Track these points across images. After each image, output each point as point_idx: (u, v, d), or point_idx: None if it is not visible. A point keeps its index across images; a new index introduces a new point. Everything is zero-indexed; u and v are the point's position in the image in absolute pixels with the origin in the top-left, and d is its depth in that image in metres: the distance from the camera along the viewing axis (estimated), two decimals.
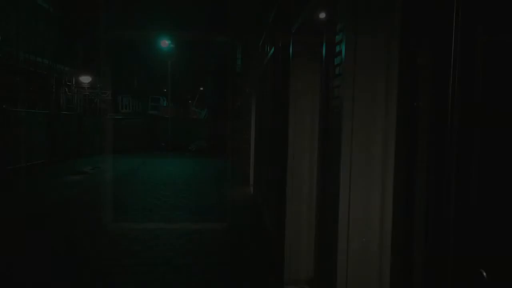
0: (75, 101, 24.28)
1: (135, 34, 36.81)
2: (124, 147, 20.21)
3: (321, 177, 2.98)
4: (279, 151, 5.13)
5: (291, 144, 4.31)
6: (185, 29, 38.73)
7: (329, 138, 2.80)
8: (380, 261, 2.39)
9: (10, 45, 17.68)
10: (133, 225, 6.71)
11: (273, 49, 6.16)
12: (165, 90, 42.15)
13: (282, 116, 4.91)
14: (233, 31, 24.74)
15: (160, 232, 6.35)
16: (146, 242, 5.84)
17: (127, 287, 4.36)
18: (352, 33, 2.39)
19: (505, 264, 1.52)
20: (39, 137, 14.16)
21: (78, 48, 26.79)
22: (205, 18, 30.15)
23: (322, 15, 3.24)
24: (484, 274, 1.49)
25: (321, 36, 3.04)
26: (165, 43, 37.52)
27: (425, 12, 2.17)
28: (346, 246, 2.40)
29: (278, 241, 4.87)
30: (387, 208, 2.38)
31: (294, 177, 4.30)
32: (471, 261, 1.66)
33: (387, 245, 2.38)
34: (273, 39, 6.23)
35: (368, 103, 2.40)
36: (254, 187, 9.56)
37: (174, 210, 7.87)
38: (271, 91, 6.68)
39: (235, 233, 6.52)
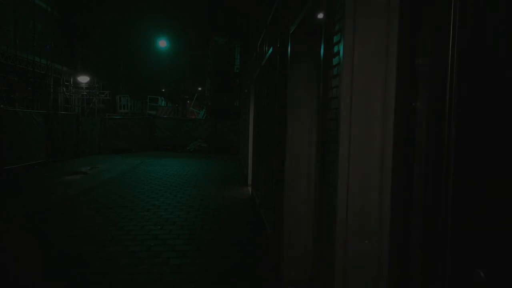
0: (73, 101, 24.27)
1: (133, 33, 36.85)
2: (122, 147, 20.19)
3: (320, 178, 2.98)
4: (278, 152, 5.13)
5: (289, 144, 4.32)
6: (184, 29, 38.77)
7: (328, 138, 2.80)
8: (379, 258, 2.40)
9: (8, 45, 17.65)
10: (131, 225, 6.71)
11: (271, 49, 6.16)
12: (163, 90, 42.20)
13: (280, 116, 4.92)
14: (232, 31, 24.77)
15: (159, 232, 6.36)
16: (144, 241, 5.84)
17: None
18: (350, 34, 2.39)
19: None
20: (37, 137, 14.11)
21: (77, 48, 26.76)
22: (204, 18, 30.16)
23: (320, 16, 3.24)
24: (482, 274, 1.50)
25: (319, 36, 3.05)
26: (163, 43, 37.54)
27: (424, 13, 2.18)
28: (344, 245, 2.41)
29: (277, 242, 4.88)
30: (385, 206, 2.39)
31: (292, 177, 4.31)
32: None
33: (386, 242, 2.39)
34: (271, 39, 6.24)
35: (367, 104, 2.41)
36: (252, 187, 9.56)
37: (172, 210, 7.86)
38: (269, 91, 6.69)
39: (234, 234, 6.52)
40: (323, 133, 2.92)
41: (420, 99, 2.20)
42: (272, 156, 5.93)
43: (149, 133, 22.33)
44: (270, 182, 6.39)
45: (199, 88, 40.25)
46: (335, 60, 2.65)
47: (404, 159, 2.29)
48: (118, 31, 34.60)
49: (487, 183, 1.59)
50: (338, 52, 2.55)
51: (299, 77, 4.26)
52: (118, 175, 12.56)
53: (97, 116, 22.64)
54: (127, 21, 35.38)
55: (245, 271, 4.92)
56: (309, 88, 4.22)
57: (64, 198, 8.92)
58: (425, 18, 2.15)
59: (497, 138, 1.55)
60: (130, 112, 32.56)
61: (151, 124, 22.61)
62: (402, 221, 2.29)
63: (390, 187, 2.37)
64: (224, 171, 14.47)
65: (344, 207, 2.41)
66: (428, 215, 2.04)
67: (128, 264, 4.98)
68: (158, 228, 6.56)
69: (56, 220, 7.18)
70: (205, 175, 13.00)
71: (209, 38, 28.70)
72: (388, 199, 2.38)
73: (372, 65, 2.40)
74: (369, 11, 2.39)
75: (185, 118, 30.75)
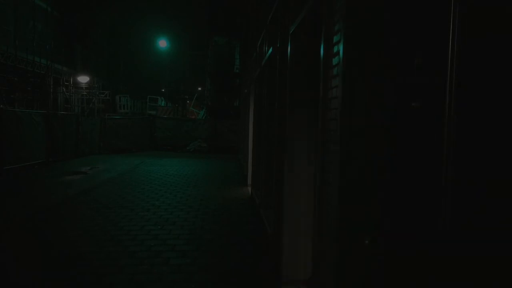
0: (73, 101, 24.26)
1: (133, 33, 36.85)
2: (122, 147, 20.18)
3: (320, 178, 2.98)
4: (278, 152, 5.13)
5: (289, 144, 4.32)
6: (184, 29, 38.78)
7: (328, 138, 2.80)
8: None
9: (8, 45, 17.64)
10: (131, 225, 6.71)
11: (271, 49, 6.16)
12: (163, 90, 42.19)
13: (280, 116, 4.92)
14: (232, 31, 24.77)
15: (159, 232, 6.36)
16: (144, 241, 5.84)
17: None
18: (350, 34, 2.39)
19: None
20: (37, 137, 14.11)
21: (77, 48, 26.76)
22: (204, 18, 30.16)
23: (320, 16, 3.24)
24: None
25: (319, 36, 3.05)
26: (163, 43, 37.54)
27: (421, 13, 2.18)
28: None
29: (277, 242, 4.87)
30: (385, 205, 2.39)
31: (292, 177, 4.31)
32: None
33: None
34: (271, 39, 6.23)
35: (367, 104, 2.41)
36: (252, 187, 9.56)
37: (172, 210, 7.86)
38: (269, 91, 6.68)
39: (234, 234, 6.52)
40: (323, 133, 2.91)
41: (420, 98, 2.20)
42: (272, 156, 5.93)
43: (149, 133, 22.32)
44: (270, 182, 6.38)
45: (199, 88, 40.23)
46: (335, 60, 2.65)
47: (404, 158, 2.29)
48: (118, 31, 34.58)
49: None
50: (338, 52, 2.55)
51: (299, 77, 4.26)
52: (118, 175, 12.56)
53: (97, 116, 22.62)
54: (127, 21, 35.37)
55: (245, 271, 4.93)
56: (309, 88, 4.22)
57: (64, 198, 8.92)
58: (425, 15, 2.15)
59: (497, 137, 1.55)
60: (130, 112, 32.55)
61: (151, 124, 22.60)
62: (401, 219, 2.29)
63: (390, 186, 2.37)
64: (224, 171, 14.47)
65: (344, 207, 2.41)
66: (427, 216, 2.04)
67: (128, 264, 4.98)
68: (158, 228, 6.56)
69: (56, 220, 7.18)
70: (205, 175, 13.00)
71: (209, 38, 28.68)
72: (389, 198, 2.38)
73: (372, 64, 2.40)
74: (369, 11, 2.39)
75: (185, 118, 30.75)
